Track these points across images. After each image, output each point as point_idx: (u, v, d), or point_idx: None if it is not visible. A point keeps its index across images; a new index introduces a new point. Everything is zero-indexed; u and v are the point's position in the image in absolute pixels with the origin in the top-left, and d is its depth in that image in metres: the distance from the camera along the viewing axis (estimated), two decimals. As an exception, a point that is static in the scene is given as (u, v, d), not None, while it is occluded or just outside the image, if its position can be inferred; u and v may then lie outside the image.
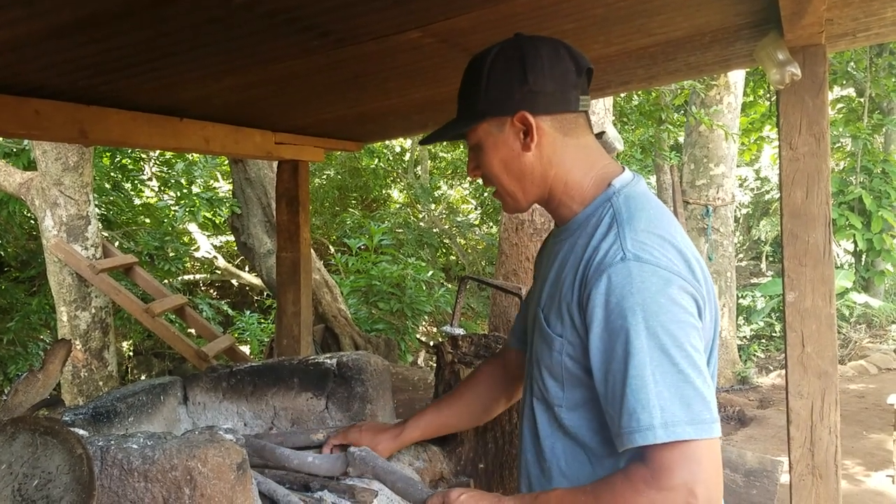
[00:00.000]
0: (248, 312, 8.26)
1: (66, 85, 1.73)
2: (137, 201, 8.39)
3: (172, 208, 7.65)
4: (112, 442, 1.32)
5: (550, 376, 1.31)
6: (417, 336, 8.41)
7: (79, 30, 1.33)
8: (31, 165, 6.03)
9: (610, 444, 1.24)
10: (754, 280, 14.43)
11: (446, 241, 11.20)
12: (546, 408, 1.34)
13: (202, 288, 9.87)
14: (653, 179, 11.44)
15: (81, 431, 1.49)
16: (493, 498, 1.34)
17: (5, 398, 1.57)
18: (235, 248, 8.52)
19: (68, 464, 1.24)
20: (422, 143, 1.55)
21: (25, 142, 6.14)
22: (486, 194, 11.27)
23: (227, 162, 7.42)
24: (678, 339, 1.15)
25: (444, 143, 12.12)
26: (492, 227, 11.43)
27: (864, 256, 11.18)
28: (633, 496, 1.15)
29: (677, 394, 1.13)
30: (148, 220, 8.03)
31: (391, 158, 12.26)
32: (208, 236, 9.52)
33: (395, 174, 12.42)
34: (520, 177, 1.37)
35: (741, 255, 16.01)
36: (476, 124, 1.37)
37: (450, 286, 9.32)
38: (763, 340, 10.77)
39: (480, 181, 1.50)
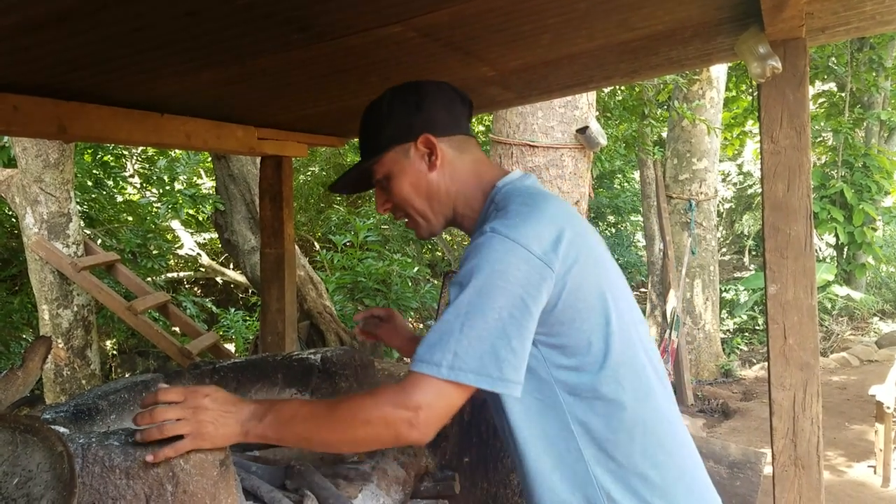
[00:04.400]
0: (232, 310, 8.21)
1: (44, 80, 1.71)
2: (119, 198, 8.31)
3: (155, 205, 7.59)
4: (93, 439, 1.31)
5: None
6: (403, 332, 8.37)
7: (55, 23, 1.32)
8: (10, 163, 5.96)
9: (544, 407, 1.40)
10: (737, 274, 14.53)
11: (431, 236, 11.17)
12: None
13: (186, 285, 9.81)
14: (636, 174, 11.49)
15: (62, 429, 1.48)
16: (233, 401, 1.37)
17: (-15, 397, 1.56)
18: (219, 245, 8.47)
19: (49, 461, 1.23)
20: (331, 189, 1.73)
21: (5, 139, 6.08)
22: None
23: (209, 158, 7.37)
24: (495, 301, 1.28)
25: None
26: (477, 223, 11.41)
27: (845, 250, 11.27)
28: (371, 407, 1.29)
29: (476, 345, 1.27)
30: (130, 218, 7.96)
31: (376, 154, 12.21)
32: (192, 233, 9.46)
33: (379, 170, 12.36)
34: (429, 196, 1.54)
35: (724, 250, 16.12)
36: (383, 155, 1.53)
37: (436, 282, 9.31)
38: (746, 334, 10.84)
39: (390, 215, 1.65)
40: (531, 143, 4.26)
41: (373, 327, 1.95)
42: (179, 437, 1.29)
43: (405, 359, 8.37)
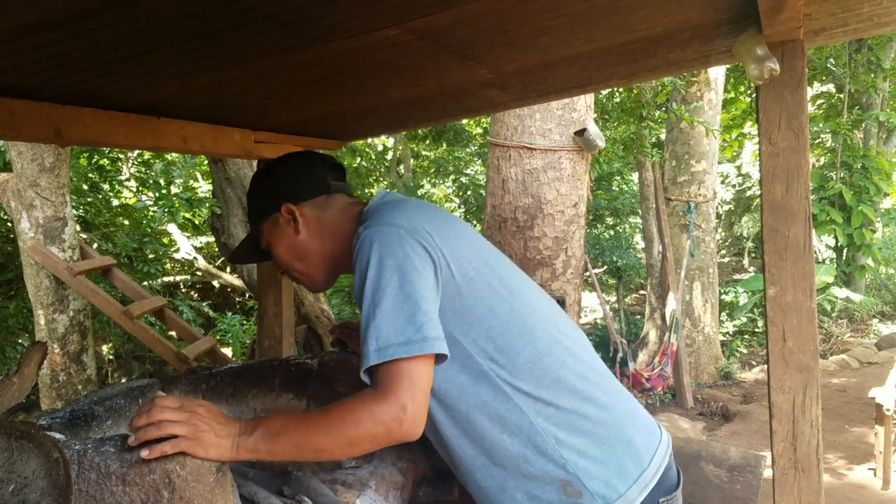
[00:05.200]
0: (229, 314, 8.19)
1: (40, 84, 1.70)
2: (115, 202, 8.30)
3: (151, 209, 7.57)
4: (89, 445, 1.30)
5: None
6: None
7: (51, 27, 1.31)
8: (6, 167, 5.95)
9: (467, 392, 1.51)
10: (737, 276, 14.53)
11: (429, 239, 11.17)
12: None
13: (183, 289, 9.80)
14: (635, 176, 11.49)
15: (58, 435, 1.47)
16: (224, 416, 1.41)
17: (-21, 403, 1.54)
18: (216, 249, 8.46)
19: (44, 468, 1.22)
20: (230, 260, 2.01)
21: (0, 143, 6.07)
22: (468, 192, 11.26)
23: (206, 161, 7.36)
24: (391, 279, 1.39)
25: (428, 141, 12.11)
26: (475, 225, 11.44)
27: (844, 251, 11.27)
28: (359, 406, 1.34)
29: (392, 322, 1.35)
30: (126, 222, 7.94)
31: (373, 157, 12.23)
32: (188, 237, 9.45)
33: (377, 173, 12.40)
34: (303, 256, 1.72)
35: (723, 252, 16.13)
36: (259, 227, 1.76)
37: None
38: (746, 336, 10.84)
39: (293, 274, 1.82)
40: (529, 146, 4.26)
41: (346, 337, 2.07)
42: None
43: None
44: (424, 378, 1.36)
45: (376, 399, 1.33)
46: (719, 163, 11.13)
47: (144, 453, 1.26)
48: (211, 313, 8.24)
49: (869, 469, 5.50)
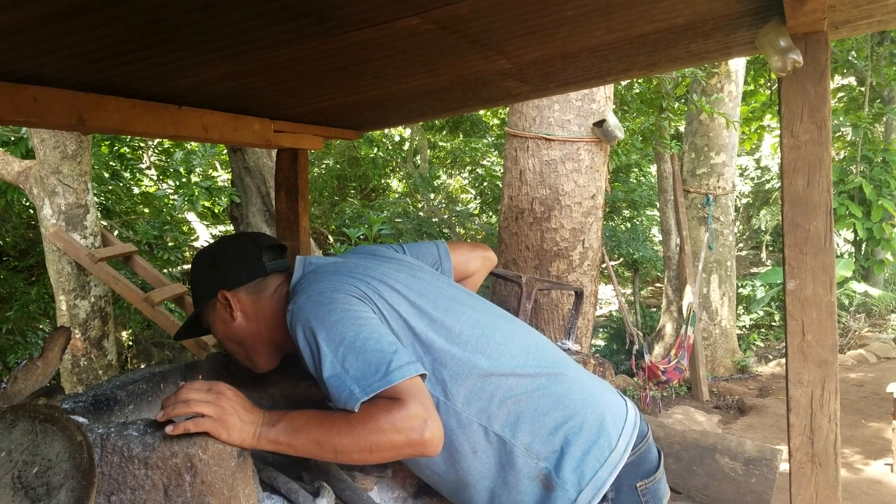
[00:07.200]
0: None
1: (63, 72, 1.72)
2: (136, 190, 8.37)
3: (171, 197, 7.63)
4: (112, 429, 1.32)
5: None
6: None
7: (73, 15, 1.32)
8: (29, 154, 6.01)
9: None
10: (754, 269, 14.44)
11: (446, 230, 11.20)
12: None
13: (202, 277, 9.85)
14: (653, 168, 11.42)
15: (81, 419, 1.49)
16: (250, 404, 1.44)
17: (4, 386, 1.57)
18: (235, 238, 8.48)
19: (68, 451, 1.24)
20: (176, 338, 2.00)
21: (23, 130, 6.12)
22: (485, 184, 11.24)
23: (225, 151, 7.39)
24: (345, 331, 1.43)
25: (445, 132, 12.10)
26: (491, 217, 11.42)
27: (863, 246, 11.17)
28: (379, 413, 1.35)
29: (365, 368, 1.38)
30: (147, 210, 8.00)
31: (390, 148, 12.22)
32: (207, 225, 9.51)
33: (394, 163, 12.39)
34: (240, 340, 1.77)
35: (741, 245, 16.02)
36: (200, 310, 1.81)
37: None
38: (762, 330, 10.78)
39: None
40: (547, 137, 4.25)
41: None
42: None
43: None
44: (424, 392, 1.40)
45: (392, 409, 1.34)
46: (738, 155, 11.04)
47: (169, 429, 1.30)
48: (229, 301, 8.27)
49: (886, 464, 5.46)
